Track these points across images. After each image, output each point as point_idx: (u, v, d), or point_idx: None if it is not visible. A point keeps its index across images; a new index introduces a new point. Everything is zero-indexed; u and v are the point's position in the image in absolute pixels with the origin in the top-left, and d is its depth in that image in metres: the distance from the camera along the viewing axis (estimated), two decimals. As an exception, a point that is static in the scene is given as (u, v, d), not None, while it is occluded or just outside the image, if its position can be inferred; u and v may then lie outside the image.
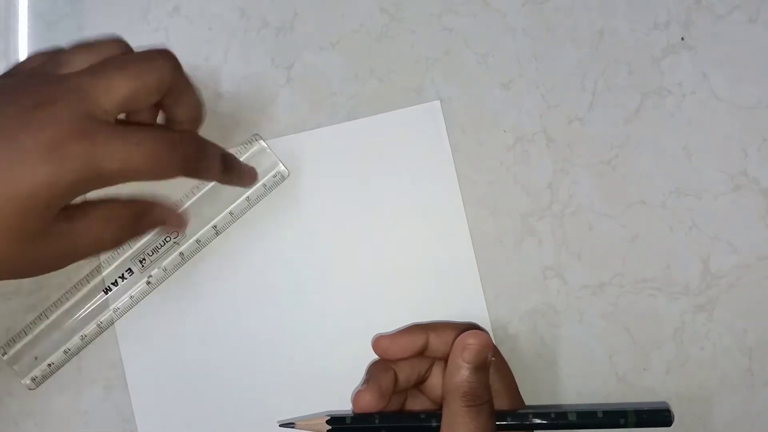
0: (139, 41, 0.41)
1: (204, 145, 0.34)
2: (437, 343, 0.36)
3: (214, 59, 0.41)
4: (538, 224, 0.40)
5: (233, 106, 0.41)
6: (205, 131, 0.41)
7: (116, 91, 0.30)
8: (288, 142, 0.41)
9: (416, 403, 0.37)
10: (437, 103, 0.41)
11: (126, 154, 0.29)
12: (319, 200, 0.40)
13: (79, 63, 0.31)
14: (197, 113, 0.35)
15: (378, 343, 0.36)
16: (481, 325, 0.39)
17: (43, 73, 0.31)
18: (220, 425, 0.40)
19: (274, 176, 0.40)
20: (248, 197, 0.40)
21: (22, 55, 0.42)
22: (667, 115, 0.40)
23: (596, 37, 0.41)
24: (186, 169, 0.32)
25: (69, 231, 0.31)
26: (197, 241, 0.40)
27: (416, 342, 0.36)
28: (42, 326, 0.39)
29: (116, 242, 0.33)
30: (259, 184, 0.40)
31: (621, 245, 0.40)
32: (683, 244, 0.40)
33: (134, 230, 0.34)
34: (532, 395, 0.39)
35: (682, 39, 0.41)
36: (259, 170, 0.39)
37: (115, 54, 0.32)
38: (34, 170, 0.28)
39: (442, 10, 0.41)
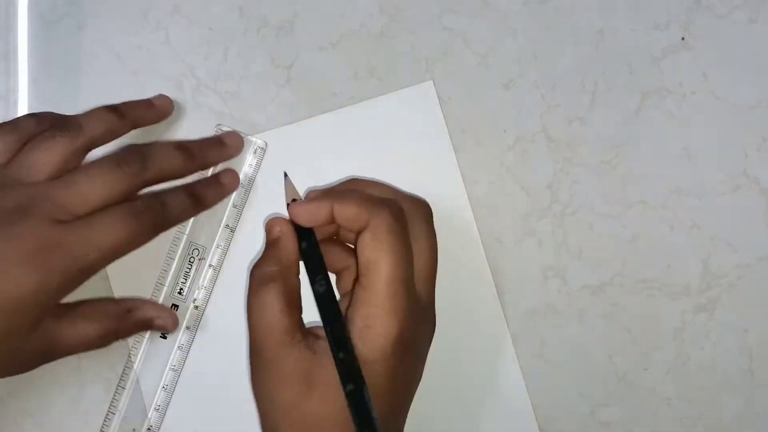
0: (139, 41, 0.41)
1: (166, 197, 0.35)
2: (342, 215, 0.34)
3: (214, 59, 0.41)
4: (538, 224, 0.40)
5: (233, 105, 0.41)
6: (206, 131, 0.41)
7: (87, 200, 0.33)
8: (281, 134, 0.41)
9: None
10: (430, 83, 0.40)
11: (100, 242, 0.32)
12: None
13: (42, 167, 0.33)
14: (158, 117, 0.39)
15: (290, 210, 0.35)
16: (491, 318, 0.39)
17: (11, 183, 0.33)
18: (229, 424, 0.40)
19: (255, 152, 0.40)
20: (241, 183, 0.40)
21: (22, 54, 0.41)
22: (667, 115, 0.40)
23: (596, 37, 0.41)
24: (157, 227, 0.34)
25: (55, 330, 0.33)
26: (218, 246, 0.40)
27: (321, 212, 0.34)
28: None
29: (104, 340, 0.35)
30: (245, 165, 0.40)
31: (621, 245, 0.40)
32: (683, 244, 0.40)
33: (122, 329, 0.36)
34: (533, 395, 0.39)
35: (682, 39, 0.41)
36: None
37: (75, 146, 0.34)
38: (21, 279, 0.30)
39: (442, 10, 0.41)
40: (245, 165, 0.40)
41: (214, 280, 0.40)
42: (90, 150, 0.35)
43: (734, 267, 0.40)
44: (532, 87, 0.41)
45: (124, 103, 0.38)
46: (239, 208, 0.40)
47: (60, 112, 0.40)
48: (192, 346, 0.40)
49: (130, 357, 0.39)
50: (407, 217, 0.34)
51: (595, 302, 0.40)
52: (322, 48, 0.41)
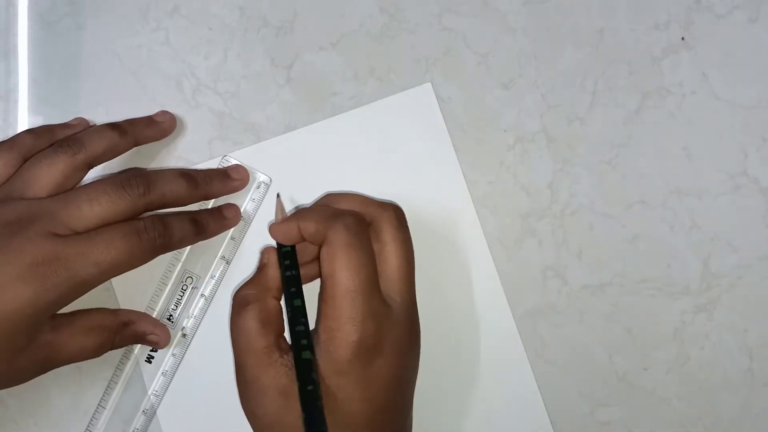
0: (139, 41, 0.41)
1: (169, 220, 0.35)
2: (306, 232, 0.35)
3: (214, 59, 0.41)
4: (538, 224, 0.40)
5: (233, 106, 0.41)
6: (206, 131, 0.41)
7: (87, 218, 0.33)
8: (281, 141, 0.40)
9: None
10: (428, 85, 0.41)
11: (100, 257, 0.32)
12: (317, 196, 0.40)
13: (43, 182, 0.34)
14: (160, 135, 0.39)
15: (269, 229, 0.37)
16: (499, 315, 0.39)
17: (12, 199, 0.33)
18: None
19: (258, 187, 0.40)
20: (243, 217, 0.39)
21: (22, 54, 0.42)
22: (667, 115, 0.40)
23: (596, 37, 0.41)
24: (158, 248, 0.34)
25: (53, 341, 0.33)
26: (212, 276, 0.39)
27: (291, 231, 0.35)
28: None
29: (99, 351, 0.35)
30: (247, 200, 0.40)
31: (621, 245, 0.40)
32: (683, 244, 0.40)
33: (117, 340, 0.36)
34: (533, 395, 0.39)
35: (682, 39, 0.41)
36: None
37: (76, 162, 0.34)
38: (18, 292, 0.31)
39: (442, 10, 0.41)
40: (247, 199, 0.40)
41: (204, 310, 0.39)
42: (91, 167, 0.36)
43: (734, 267, 0.40)
44: (532, 87, 0.41)
45: (126, 121, 0.39)
46: (237, 240, 0.40)
47: (60, 113, 0.41)
48: (176, 373, 0.39)
49: (112, 379, 0.39)
50: (376, 223, 0.35)
51: (595, 302, 0.40)
52: (322, 48, 0.41)
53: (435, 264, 0.38)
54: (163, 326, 0.38)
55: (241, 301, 0.35)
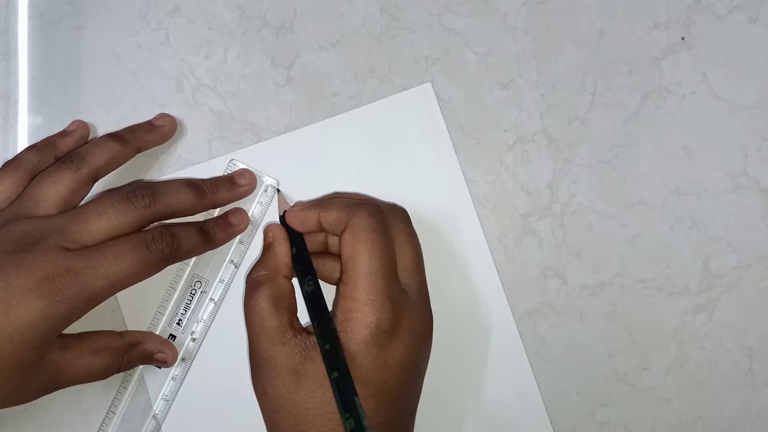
0: (139, 41, 0.41)
1: (177, 230, 0.35)
2: (326, 220, 0.36)
3: (214, 59, 0.41)
4: (538, 224, 0.40)
5: (233, 106, 0.41)
6: (206, 131, 0.41)
7: (96, 231, 0.33)
8: (282, 141, 0.41)
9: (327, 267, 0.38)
10: (428, 85, 0.41)
11: (109, 269, 0.32)
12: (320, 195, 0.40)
13: (50, 200, 0.34)
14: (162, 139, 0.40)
15: (286, 216, 0.38)
16: (499, 315, 0.39)
17: (23, 216, 0.34)
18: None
19: (266, 191, 0.40)
20: (251, 221, 0.39)
21: (22, 54, 0.42)
22: (667, 115, 0.40)
23: (596, 37, 0.41)
24: (166, 259, 0.35)
25: (60, 360, 0.33)
26: (221, 281, 0.39)
27: (310, 218, 0.36)
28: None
29: (106, 373, 0.35)
30: (254, 204, 0.40)
31: (621, 245, 0.40)
32: (683, 244, 0.40)
33: (125, 362, 0.36)
34: (533, 395, 0.39)
35: (682, 39, 0.41)
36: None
37: (80, 177, 0.35)
38: (29, 306, 0.31)
39: (442, 10, 0.41)
40: (255, 203, 0.40)
41: (214, 314, 0.39)
42: (96, 179, 0.36)
43: (734, 267, 0.40)
44: (532, 87, 0.41)
45: (126, 129, 0.39)
46: (246, 244, 0.40)
47: (60, 113, 0.41)
48: (185, 379, 0.39)
49: (122, 383, 0.39)
50: (387, 219, 0.35)
51: (595, 302, 0.40)
52: (322, 48, 0.41)
53: (435, 264, 0.38)
54: (170, 344, 0.38)
55: (253, 283, 0.35)
